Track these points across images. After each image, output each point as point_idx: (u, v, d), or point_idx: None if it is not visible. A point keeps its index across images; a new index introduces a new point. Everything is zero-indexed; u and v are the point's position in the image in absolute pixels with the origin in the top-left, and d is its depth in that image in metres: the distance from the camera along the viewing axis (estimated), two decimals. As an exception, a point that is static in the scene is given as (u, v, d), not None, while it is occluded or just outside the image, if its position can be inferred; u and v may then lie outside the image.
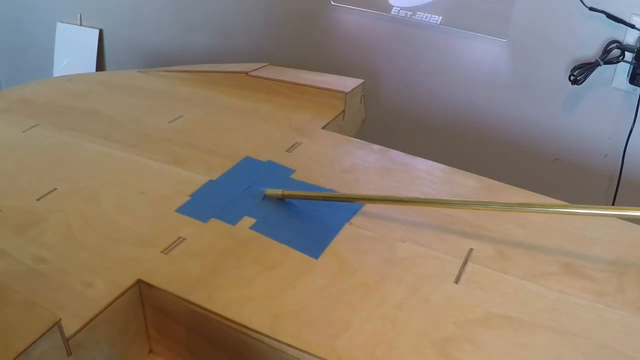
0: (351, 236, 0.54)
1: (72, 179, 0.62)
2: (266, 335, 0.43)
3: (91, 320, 0.44)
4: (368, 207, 0.58)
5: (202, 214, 0.57)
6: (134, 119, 0.76)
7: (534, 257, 0.52)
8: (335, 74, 0.89)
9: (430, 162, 0.68)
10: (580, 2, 1.07)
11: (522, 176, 1.02)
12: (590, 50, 1.12)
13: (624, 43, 1.08)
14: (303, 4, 1.39)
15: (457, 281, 0.48)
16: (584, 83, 1.12)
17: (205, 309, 0.45)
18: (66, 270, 0.49)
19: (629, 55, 1.07)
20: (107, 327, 0.46)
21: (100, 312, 0.45)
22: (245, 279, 0.48)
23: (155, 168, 0.64)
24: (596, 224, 0.56)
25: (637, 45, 1.06)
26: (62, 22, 1.75)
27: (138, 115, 0.77)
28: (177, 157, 0.66)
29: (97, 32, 1.70)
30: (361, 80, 0.86)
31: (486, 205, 0.53)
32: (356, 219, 0.56)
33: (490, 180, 0.64)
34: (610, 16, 1.06)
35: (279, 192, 0.58)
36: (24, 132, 0.72)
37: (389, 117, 1.40)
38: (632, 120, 1.12)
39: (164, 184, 0.61)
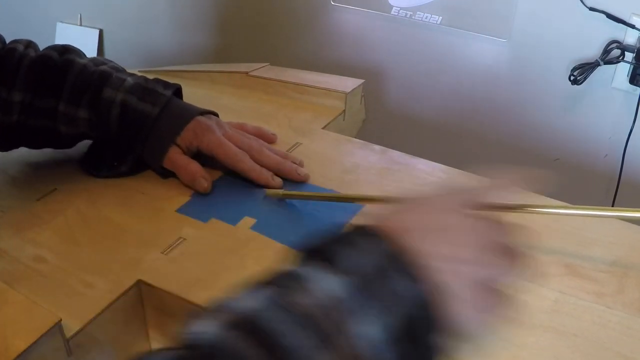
0: (351, 236, 0.54)
1: (72, 179, 0.62)
2: (266, 336, 0.43)
3: (91, 320, 0.44)
4: (368, 208, 0.58)
5: (203, 214, 0.57)
6: (134, 119, 0.76)
7: (534, 258, 0.52)
8: (335, 74, 0.88)
9: (430, 162, 0.68)
10: (580, 2, 1.07)
11: (522, 176, 1.02)
12: (590, 50, 1.12)
13: (624, 43, 1.08)
14: (303, 4, 1.39)
15: (457, 282, 0.48)
16: (584, 83, 1.12)
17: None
18: (66, 270, 0.49)
19: (629, 55, 1.07)
20: (107, 328, 0.46)
21: (101, 312, 0.45)
22: (246, 279, 0.48)
23: (156, 168, 0.64)
24: (596, 225, 0.56)
25: (637, 45, 1.06)
26: (62, 22, 1.75)
27: (138, 115, 0.77)
28: (177, 157, 0.66)
29: (97, 32, 1.71)
30: (361, 81, 0.86)
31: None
32: (356, 220, 0.56)
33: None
34: (610, 16, 1.06)
35: (279, 192, 0.58)
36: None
37: (390, 117, 1.40)
38: (632, 120, 1.12)
39: (164, 184, 0.61)
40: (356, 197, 0.59)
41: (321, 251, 0.30)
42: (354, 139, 0.74)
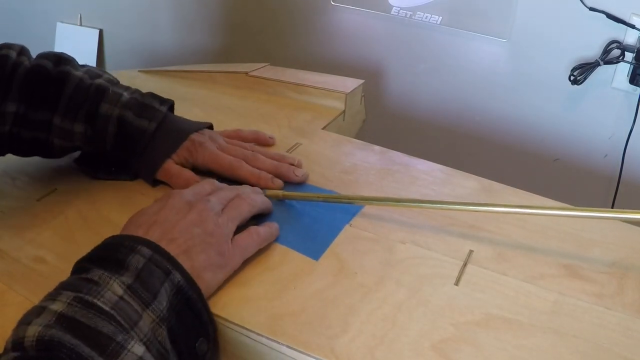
0: (351, 237, 0.54)
1: (72, 179, 0.62)
2: (265, 336, 0.43)
3: (91, 321, 0.44)
4: (368, 209, 0.58)
5: (202, 214, 0.56)
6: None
7: (534, 259, 0.52)
8: (335, 74, 0.89)
9: (430, 163, 0.68)
10: (580, 2, 1.07)
11: (522, 176, 1.03)
12: (590, 50, 1.12)
13: (624, 43, 1.08)
14: (303, 4, 1.39)
15: (457, 283, 0.48)
16: (584, 83, 1.12)
17: (205, 310, 0.45)
18: (66, 270, 0.49)
19: (629, 55, 1.07)
20: (106, 328, 0.46)
21: (100, 313, 0.45)
22: (245, 279, 0.48)
23: (155, 169, 0.64)
24: (596, 226, 0.56)
25: (637, 45, 1.06)
26: (62, 22, 1.75)
27: (138, 116, 0.77)
28: (177, 158, 0.66)
29: (97, 32, 1.70)
30: (361, 81, 0.86)
31: (486, 207, 0.53)
32: (356, 220, 0.56)
33: (490, 181, 0.64)
34: (610, 16, 1.07)
35: (279, 193, 0.58)
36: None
37: (389, 118, 1.40)
38: (632, 120, 1.12)
39: (165, 185, 0.61)
40: (356, 197, 0.59)
41: (105, 259, 0.41)
42: (354, 139, 0.74)
